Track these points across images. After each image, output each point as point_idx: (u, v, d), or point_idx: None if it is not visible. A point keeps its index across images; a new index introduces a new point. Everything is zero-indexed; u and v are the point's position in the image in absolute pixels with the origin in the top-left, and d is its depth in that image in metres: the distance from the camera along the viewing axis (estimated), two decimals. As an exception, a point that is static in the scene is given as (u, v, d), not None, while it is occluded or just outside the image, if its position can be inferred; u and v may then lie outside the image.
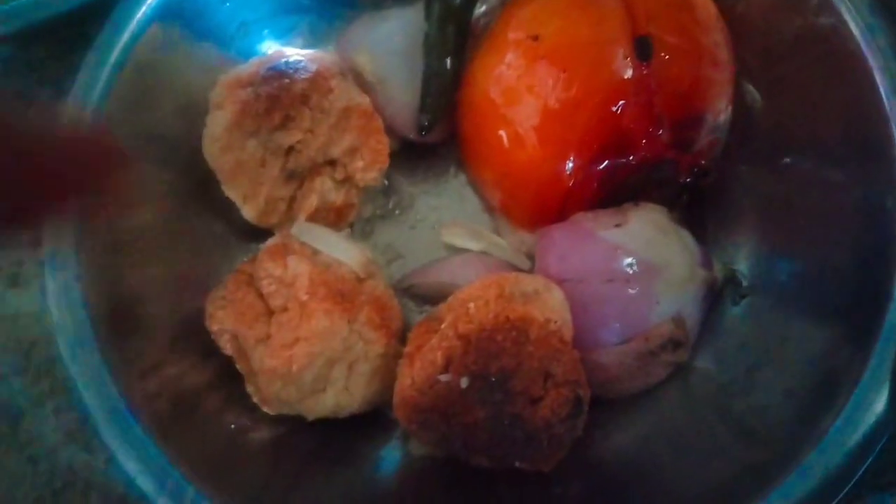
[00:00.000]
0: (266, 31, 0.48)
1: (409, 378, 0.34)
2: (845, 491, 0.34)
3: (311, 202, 0.43)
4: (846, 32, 0.38)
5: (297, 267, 0.37)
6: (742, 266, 0.44)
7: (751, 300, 0.43)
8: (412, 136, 0.46)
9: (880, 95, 0.37)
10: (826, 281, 0.39)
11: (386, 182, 0.48)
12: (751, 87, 0.44)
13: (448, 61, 0.45)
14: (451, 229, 0.46)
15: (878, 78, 0.37)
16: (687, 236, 0.41)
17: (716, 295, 0.42)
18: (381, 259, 0.47)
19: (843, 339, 0.37)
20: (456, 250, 0.46)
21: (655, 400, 0.41)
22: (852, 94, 0.38)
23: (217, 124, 0.40)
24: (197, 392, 0.40)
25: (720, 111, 0.42)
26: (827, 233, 0.40)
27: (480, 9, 0.47)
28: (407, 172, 0.49)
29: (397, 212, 0.48)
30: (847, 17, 0.38)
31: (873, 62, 0.37)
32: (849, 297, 0.38)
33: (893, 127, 0.36)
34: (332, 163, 0.43)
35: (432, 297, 0.44)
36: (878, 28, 0.38)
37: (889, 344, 0.34)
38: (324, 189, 0.43)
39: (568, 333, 0.35)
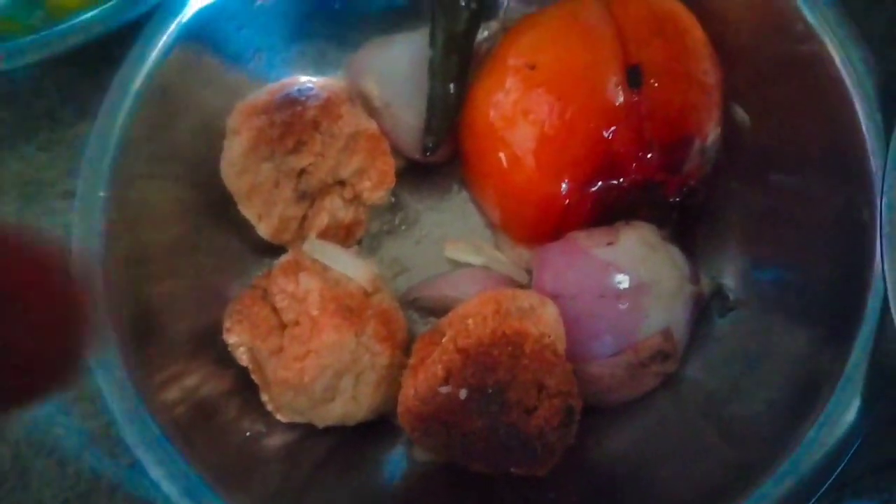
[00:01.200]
0: (279, 58, 0.50)
1: (413, 389, 0.37)
2: (823, 491, 0.36)
3: (322, 220, 0.45)
4: (828, 60, 0.40)
5: (309, 283, 0.40)
6: (729, 279, 0.46)
7: (736, 312, 0.45)
8: (417, 156, 0.48)
9: (858, 118, 0.39)
10: (807, 291, 0.42)
11: (393, 199, 0.50)
12: (740, 109, 0.46)
13: (451, 86, 0.47)
14: (454, 245, 0.48)
15: (857, 102, 0.39)
16: (676, 252, 0.43)
17: (703, 308, 0.44)
18: (388, 272, 0.49)
19: (822, 347, 0.39)
20: (458, 265, 0.48)
21: (646, 407, 0.44)
22: (833, 117, 0.40)
23: (234, 149, 0.43)
24: (215, 400, 0.42)
25: (708, 134, 0.44)
26: (809, 245, 0.42)
27: (483, 34, 0.49)
28: (413, 190, 0.51)
29: (403, 227, 0.51)
30: (828, 45, 0.40)
31: (852, 88, 0.40)
32: (828, 305, 0.40)
33: (868, 147, 0.39)
34: (341, 183, 0.46)
35: (436, 310, 0.46)
36: (857, 57, 0.40)
37: (864, 351, 0.37)
38: (334, 208, 0.46)
39: (561, 347, 0.37)
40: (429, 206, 0.51)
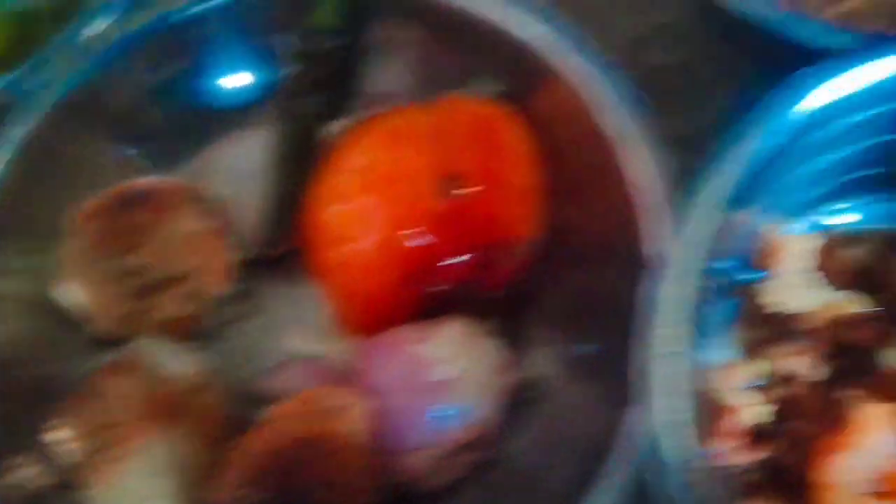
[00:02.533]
0: (122, 155, 0.52)
1: (221, 491, 0.38)
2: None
3: (162, 315, 0.47)
4: (629, 164, 0.44)
5: (132, 384, 0.42)
6: (549, 361, 0.49)
7: (552, 394, 0.48)
8: (261, 249, 0.51)
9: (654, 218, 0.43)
10: (604, 366, 0.44)
11: (239, 287, 0.52)
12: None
13: (293, 184, 0.50)
14: (296, 334, 0.50)
15: (651, 203, 0.43)
16: (490, 345, 0.46)
17: (520, 394, 0.48)
18: (229, 364, 0.50)
19: (614, 420, 0.41)
20: (301, 353, 0.50)
21: (463, 491, 0.46)
22: (622, 205, 0.44)
23: (71, 252, 0.45)
24: (37, 500, 0.43)
25: (525, 236, 0.48)
26: (606, 323, 0.45)
27: (330, 131, 0.53)
28: (259, 279, 0.52)
29: (248, 317, 0.52)
30: (629, 152, 0.45)
31: (646, 188, 0.44)
32: (621, 378, 0.42)
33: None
34: (182, 278, 0.48)
35: (270, 401, 0.48)
36: (654, 162, 0.44)
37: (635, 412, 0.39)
38: (173, 303, 0.47)
39: (368, 445, 0.40)
40: (274, 295, 0.52)
